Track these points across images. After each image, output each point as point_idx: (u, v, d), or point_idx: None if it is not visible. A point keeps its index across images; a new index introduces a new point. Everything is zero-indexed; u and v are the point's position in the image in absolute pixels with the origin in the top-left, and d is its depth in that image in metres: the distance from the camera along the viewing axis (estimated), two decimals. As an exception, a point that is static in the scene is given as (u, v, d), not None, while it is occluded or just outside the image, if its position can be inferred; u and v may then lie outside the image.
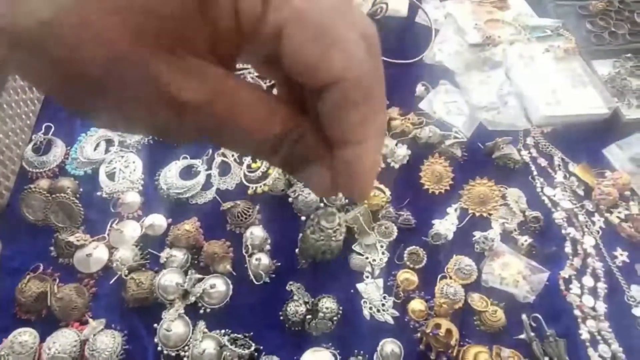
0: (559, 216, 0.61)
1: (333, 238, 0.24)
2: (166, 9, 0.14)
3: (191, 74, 0.15)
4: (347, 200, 0.60)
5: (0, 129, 0.59)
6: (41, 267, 0.54)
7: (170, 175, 0.60)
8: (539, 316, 0.53)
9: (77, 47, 0.13)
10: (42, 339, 0.49)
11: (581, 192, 0.63)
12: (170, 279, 0.51)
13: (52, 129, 0.66)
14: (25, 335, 0.49)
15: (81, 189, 0.60)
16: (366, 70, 0.17)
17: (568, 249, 0.59)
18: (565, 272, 0.57)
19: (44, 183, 0.59)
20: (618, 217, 0.61)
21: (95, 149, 0.64)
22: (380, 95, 0.18)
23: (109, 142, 0.65)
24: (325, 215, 0.25)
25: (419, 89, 0.70)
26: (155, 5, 0.14)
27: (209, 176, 0.62)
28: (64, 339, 0.48)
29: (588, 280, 0.57)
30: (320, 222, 0.25)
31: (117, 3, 0.13)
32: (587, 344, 0.53)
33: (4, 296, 0.52)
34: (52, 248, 0.55)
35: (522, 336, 0.52)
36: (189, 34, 0.15)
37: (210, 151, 0.64)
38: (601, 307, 0.55)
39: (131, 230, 0.57)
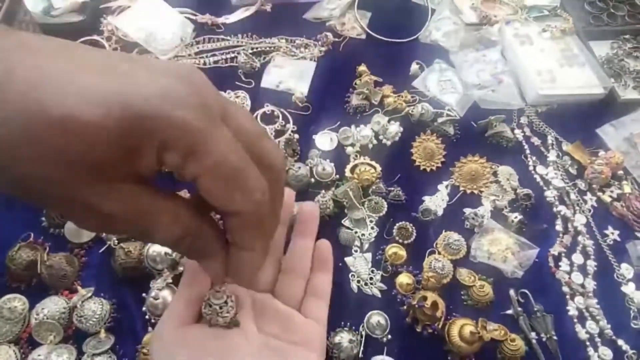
0: (550, 194, 0.60)
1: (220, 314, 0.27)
2: (95, 158, 0.19)
3: (111, 194, 0.20)
4: (337, 176, 0.60)
5: None
6: (32, 236, 0.54)
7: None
8: (527, 292, 0.53)
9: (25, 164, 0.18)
10: (32, 306, 0.49)
11: (574, 171, 0.63)
12: (158, 249, 0.52)
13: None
14: (15, 302, 0.49)
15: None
16: (261, 205, 0.22)
17: (559, 226, 0.58)
18: (555, 250, 0.57)
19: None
20: (610, 196, 0.61)
21: (87, 123, 0.64)
22: (272, 220, 0.25)
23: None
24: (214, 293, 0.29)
25: (413, 67, 0.70)
26: (85, 155, 0.18)
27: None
28: (53, 305, 0.49)
29: (578, 258, 0.56)
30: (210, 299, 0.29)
31: (57, 149, 0.18)
32: (575, 320, 0.53)
33: (-6, 264, 0.53)
34: (43, 218, 0.56)
35: (510, 311, 0.52)
36: (113, 171, 0.20)
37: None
38: (590, 284, 0.55)
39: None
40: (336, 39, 0.74)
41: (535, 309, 0.52)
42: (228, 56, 0.72)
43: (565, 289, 0.54)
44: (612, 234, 0.59)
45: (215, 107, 0.21)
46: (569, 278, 0.55)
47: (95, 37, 0.73)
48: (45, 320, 0.48)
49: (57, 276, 0.51)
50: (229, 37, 0.74)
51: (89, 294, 0.50)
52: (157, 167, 0.21)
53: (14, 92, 0.17)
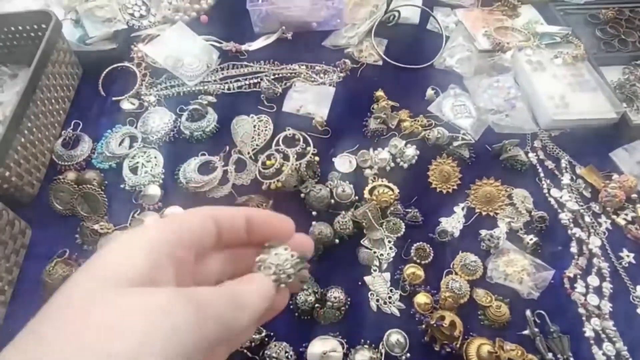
0: (565, 217, 0.62)
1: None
2: None
3: None
4: (356, 197, 0.62)
5: (34, 124, 0.63)
6: (67, 253, 0.57)
7: (189, 170, 0.64)
8: (543, 313, 0.54)
9: None
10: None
11: (588, 194, 0.64)
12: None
13: (80, 126, 0.70)
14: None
15: (106, 182, 0.64)
16: None
17: (574, 248, 0.60)
18: (571, 271, 0.58)
19: (71, 175, 0.63)
20: (625, 219, 0.62)
21: (119, 145, 0.67)
22: None
23: (133, 138, 0.69)
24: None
25: (429, 92, 0.73)
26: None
27: (225, 172, 0.65)
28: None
29: (593, 280, 0.57)
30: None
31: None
32: (591, 341, 0.53)
33: (32, 278, 0.56)
34: (77, 235, 0.59)
35: (526, 332, 0.53)
36: None
37: (227, 148, 0.67)
38: (606, 306, 0.56)
39: (151, 220, 0.60)
40: (354, 65, 0.77)
41: (552, 330, 0.53)
42: (251, 82, 0.75)
43: (581, 310, 0.55)
44: (628, 256, 0.59)
45: None
46: (585, 300, 0.56)
47: (126, 63, 0.78)
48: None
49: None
50: (252, 64, 0.78)
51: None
52: None
53: None
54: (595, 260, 0.59)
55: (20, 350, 0.18)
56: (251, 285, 0.23)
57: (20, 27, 0.72)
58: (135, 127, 0.70)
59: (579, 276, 0.58)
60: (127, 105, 0.73)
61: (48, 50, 0.67)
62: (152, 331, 0.18)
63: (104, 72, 0.76)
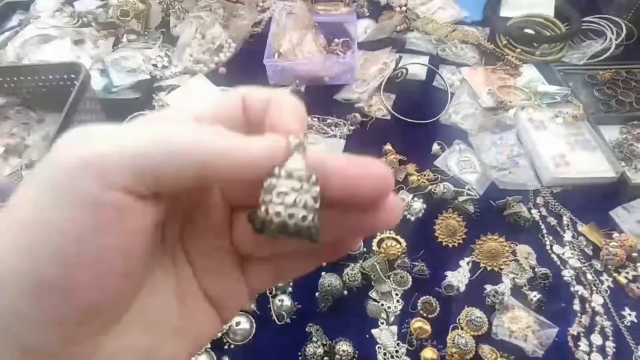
0: (567, 274, 0.63)
1: None
2: None
3: None
4: (364, 249, 0.64)
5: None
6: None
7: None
8: (548, 371, 0.55)
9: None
10: None
11: (589, 252, 0.66)
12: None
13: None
14: None
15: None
16: None
17: (576, 306, 0.61)
18: (574, 329, 0.59)
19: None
20: (626, 277, 0.64)
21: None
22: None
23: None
24: None
25: (435, 147, 0.76)
26: None
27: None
28: None
29: (597, 339, 0.58)
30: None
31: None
32: (596, 402, 0.54)
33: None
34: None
35: (531, 390, 0.54)
36: None
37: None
38: (610, 365, 0.56)
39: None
40: (364, 119, 0.81)
41: (557, 390, 0.54)
42: (266, 132, 0.79)
43: (585, 369, 0.56)
44: (630, 315, 0.61)
45: None
46: (589, 359, 0.57)
47: (147, 111, 0.82)
48: None
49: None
50: (266, 115, 0.81)
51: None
52: None
53: None
54: (598, 318, 0.60)
55: None
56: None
57: (51, 76, 0.76)
58: (154, 174, 0.73)
59: (582, 334, 0.59)
60: (147, 152, 0.76)
61: (78, 98, 0.71)
62: None
63: (127, 119, 0.80)
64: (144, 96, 0.83)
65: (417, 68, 0.88)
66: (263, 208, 0.16)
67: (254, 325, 0.57)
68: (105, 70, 0.86)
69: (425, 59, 0.91)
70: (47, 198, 0.15)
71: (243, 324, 0.57)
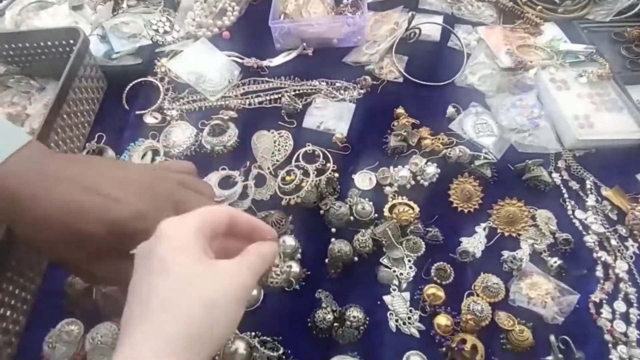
0: (590, 240, 0.60)
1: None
2: (97, 249, 0.37)
3: (102, 266, 0.38)
4: (376, 215, 0.62)
5: (60, 137, 0.65)
6: (89, 265, 0.58)
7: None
8: (568, 338, 0.53)
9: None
10: (86, 330, 0.53)
11: (614, 217, 0.63)
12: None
13: (104, 138, 0.72)
14: (72, 326, 0.52)
15: (128, 195, 0.65)
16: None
17: (599, 272, 0.58)
18: (596, 296, 0.56)
19: (95, 187, 0.64)
20: (653, 243, 0.60)
21: (142, 158, 0.68)
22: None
23: (155, 152, 0.70)
24: None
25: (450, 110, 0.72)
26: (92, 247, 0.37)
27: (245, 187, 0.65)
28: (107, 330, 0.52)
29: (620, 306, 0.56)
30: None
31: (77, 244, 0.36)
32: (619, 370, 0.52)
33: (53, 290, 0.57)
34: (99, 248, 0.60)
35: (550, 358, 0.52)
36: (108, 253, 0.37)
37: (248, 163, 0.68)
38: (634, 333, 0.54)
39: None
40: (374, 82, 0.77)
41: (577, 357, 0.51)
42: (272, 97, 0.76)
43: (607, 337, 0.53)
44: (656, 282, 0.58)
45: (167, 205, 0.38)
46: (612, 326, 0.54)
47: (149, 78, 0.79)
48: (99, 345, 0.51)
49: (111, 303, 0.54)
50: (272, 80, 0.78)
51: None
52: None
53: (49, 211, 0.35)
54: (622, 285, 0.57)
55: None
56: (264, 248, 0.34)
57: (49, 43, 0.74)
58: (158, 141, 0.71)
59: (605, 301, 0.56)
60: (150, 119, 0.74)
61: (76, 65, 0.69)
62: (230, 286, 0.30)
63: (128, 87, 0.78)
64: (146, 62, 0.80)
65: (430, 28, 0.84)
66: None
67: (262, 292, 0.56)
68: (105, 36, 0.83)
69: (439, 19, 0.86)
70: None
71: (250, 291, 0.55)
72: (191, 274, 0.28)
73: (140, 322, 0.26)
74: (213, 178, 0.65)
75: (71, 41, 0.73)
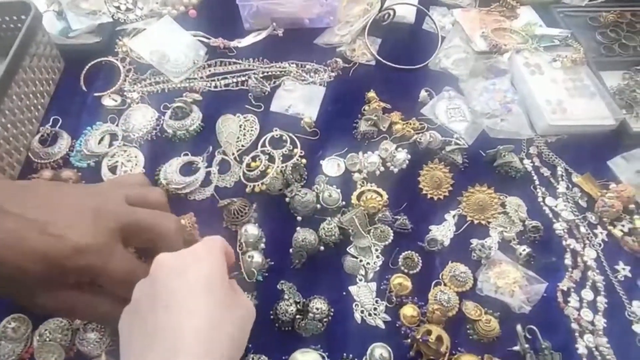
0: (559, 227, 0.59)
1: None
2: (38, 281, 0.36)
3: (46, 297, 0.38)
4: (343, 203, 0.60)
5: (9, 120, 0.60)
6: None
7: (170, 171, 0.61)
8: (534, 328, 0.52)
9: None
10: (35, 327, 0.50)
11: (584, 204, 0.62)
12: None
13: (60, 122, 0.68)
14: (18, 322, 0.49)
15: (83, 181, 0.61)
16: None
17: (568, 260, 0.57)
18: (564, 284, 0.55)
19: (47, 173, 0.60)
20: (621, 230, 0.60)
21: (99, 143, 0.65)
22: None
23: (113, 136, 0.66)
24: None
25: (422, 94, 0.70)
26: (34, 280, 0.36)
27: (208, 173, 0.62)
28: (55, 326, 0.49)
29: (587, 294, 0.55)
30: None
31: (19, 278, 0.35)
32: (584, 359, 0.51)
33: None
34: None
35: (516, 348, 0.51)
36: (50, 286, 0.37)
37: (211, 148, 0.65)
38: (600, 321, 0.53)
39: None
40: (346, 65, 0.75)
41: (543, 346, 0.51)
42: (239, 79, 0.73)
43: (574, 325, 0.53)
44: (624, 269, 0.57)
45: (112, 235, 0.37)
46: (579, 315, 0.53)
47: (110, 58, 0.75)
48: (47, 342, 0.48)
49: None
50: (240, 61, 0.75)
51: (92, 317, 0.50)
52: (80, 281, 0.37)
53: None
54: (590, 273, 0.57)
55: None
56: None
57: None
58: (117, 125, 0.67)
59: (572, 289, 0.55)
60: (108, 101, 0.70)
61: (26, 42, 0.64)
62: None
63: (87, 67, 0.73)
64: (106, 41, 0.76)
65: (405, 9, 0.81)
66: None
67: (223, 283, 0.53)
68: (61, 12, 0.78)
69: (414, 0, 0.83)
70: None
71: (211, 282, 0.53)
72: None
73: None
74: (174, 164, 0.62)
75: (22, 16, 0.68)
